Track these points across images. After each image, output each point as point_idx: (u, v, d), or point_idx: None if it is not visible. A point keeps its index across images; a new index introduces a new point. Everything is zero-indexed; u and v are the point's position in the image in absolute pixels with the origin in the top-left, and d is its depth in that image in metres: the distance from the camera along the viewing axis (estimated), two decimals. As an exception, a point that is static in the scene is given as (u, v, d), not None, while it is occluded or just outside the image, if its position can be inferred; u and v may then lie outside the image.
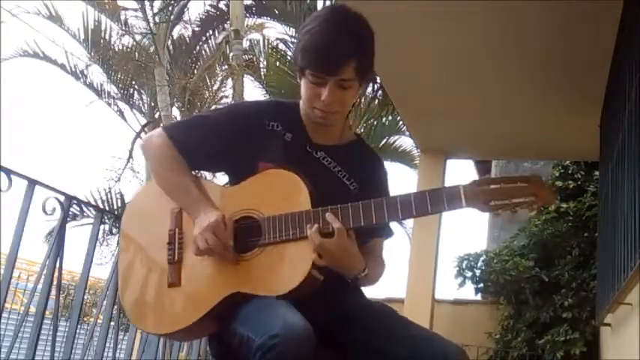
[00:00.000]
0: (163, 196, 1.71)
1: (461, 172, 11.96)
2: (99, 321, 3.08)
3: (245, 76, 8.88)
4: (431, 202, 1.50)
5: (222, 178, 2.29)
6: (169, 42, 9.86)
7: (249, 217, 1.61)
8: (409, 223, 8.64)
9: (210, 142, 1.70)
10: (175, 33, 10.13)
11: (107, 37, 9.62)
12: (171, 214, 1.69)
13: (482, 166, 8.94)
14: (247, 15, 9.20)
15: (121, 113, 10.02)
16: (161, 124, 9.32)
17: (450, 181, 5.92)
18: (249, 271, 1.58)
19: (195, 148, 1.70)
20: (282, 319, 1.40)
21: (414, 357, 1.49)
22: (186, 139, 1.70)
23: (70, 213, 2.66)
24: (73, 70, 9.62)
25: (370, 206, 1.53)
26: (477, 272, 7.26)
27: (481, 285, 7.26)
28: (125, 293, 1.72)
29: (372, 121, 8.42)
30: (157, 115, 9.86)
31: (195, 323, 1.59)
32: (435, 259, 5.69)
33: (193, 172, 1.75)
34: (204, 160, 1.75)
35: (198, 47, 9.98)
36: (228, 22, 9.24)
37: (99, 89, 9.81)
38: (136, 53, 10.05)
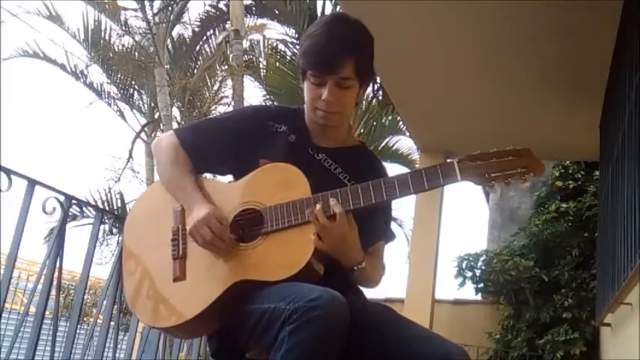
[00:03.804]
0: (165, 197, 1.76)
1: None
2: (99, 321, 3.07)
3: (245, 76, 8.89)
4: (427, 178, 1.54)
5: (223, 180, 2.32)
6: (169, 42, 9.87)
7: (251, 209, 1.65)
8: (409, 223, 8.68)
9: (217, 145, 1.76)
10: (175, 33, 10.14)
11: (107, 37, 9.64)
12: (174, 213, 1.73)
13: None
14: (247, 15, 9.20)
15: (121, 113, 10.05)
16: (161, 125, 9.37)
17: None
18: (252, 259, 1.61)
19: (202, 149, 1.76)
20: (319, 288, 1.42)
21: (415, 357, 1.49)
22: (195, 141, 1.77)
23: (70, 213, 2.65)
24: (73, 70, 9.64)
25: (369, 187, 1.57)
26: (477, 272, 7.26)
27: (481, 285, 7.26)
28: (134, 296, 1.74)
29: (372, 121, 8.43)
30: (156, 115, 9.87)
31: (201, 314, 1.60)
32: (435, 259, 5.69)
33: (201, 174, 1.80)
34: (210, 161, 1.79)
35: (198, 47, 9.99)
36: (228, 22, 9.24)
37: (99, 89, 9.82)
38: (136, 53, 10.05)
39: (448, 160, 1.55)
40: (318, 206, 1.56)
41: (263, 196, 1.65)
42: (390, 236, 1.85)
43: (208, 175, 2.00)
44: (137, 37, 9.95)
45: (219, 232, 1.60)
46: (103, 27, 9.54)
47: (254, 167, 1.70)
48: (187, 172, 1.74)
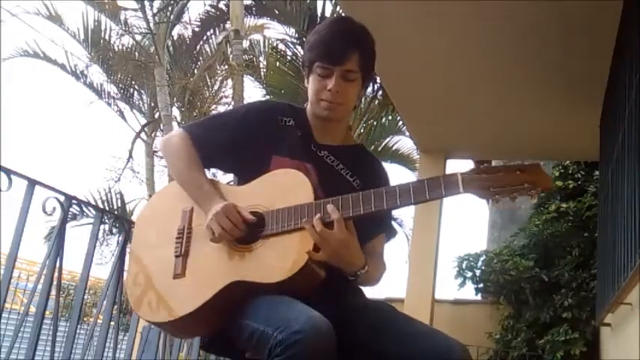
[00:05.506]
0: (176, 198, 1.79)
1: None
2: (99, 321, 3.08)
3: (245, 76, 8.88)
4: (429, 188, 1.55)
5: (226, 180, 2.34)
6: (169, 42, 9.85)
7: (255, 212, 1.67)
8: (409, 223, 8.68)
9: (226, 140, 1.79)
10: (175, 33, 10.13)
11: (107, 37, 9.62)
12: (182, 214, 1.76)
13: (482, 166, 8.93)
14: (247, 15, 9.20)
15: (121, 113, 10.03)
16: (161, 125, 9.37)
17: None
18: (250, 260, 1.63)
19: (211, 145, 1.79)
20: (305, 315, 1.43)
21: (416, 354, 1.50)
22: (204, 136, 1.80)
23: (70, 213, 2.65)
24: (73, 70, 9.62)
25: (370, 195, 1.58)
26: (477, 272, 7.26)
27: (481, 285, 7.26)
28: (134, 292, 1.76)
29: (372, 121, 8.43)
30: (156, 115, 9.85)
31: (195, 312, 1.62)
32: (435, 259, 5.69)
33: (210, 169, 1.86)
34: (220, 156, 1.82)
35: (198, 47, 9.98)
36: (228, 22, 9.23)
37: (99, 89, 9.81)
38: (136, 53, 10.04)
39: (452, 172, 1.55)
40: (318, 216, 1.57)
41: (268, 200, 1.68)
42: (390, 230, 1.87)
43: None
44: (137, 37, 9.94)
45: (238, 222, 1.62)
46: (103, 27, 9.52)
47: (265, 162, 1.73)
48: (201, 172, 1.78)
